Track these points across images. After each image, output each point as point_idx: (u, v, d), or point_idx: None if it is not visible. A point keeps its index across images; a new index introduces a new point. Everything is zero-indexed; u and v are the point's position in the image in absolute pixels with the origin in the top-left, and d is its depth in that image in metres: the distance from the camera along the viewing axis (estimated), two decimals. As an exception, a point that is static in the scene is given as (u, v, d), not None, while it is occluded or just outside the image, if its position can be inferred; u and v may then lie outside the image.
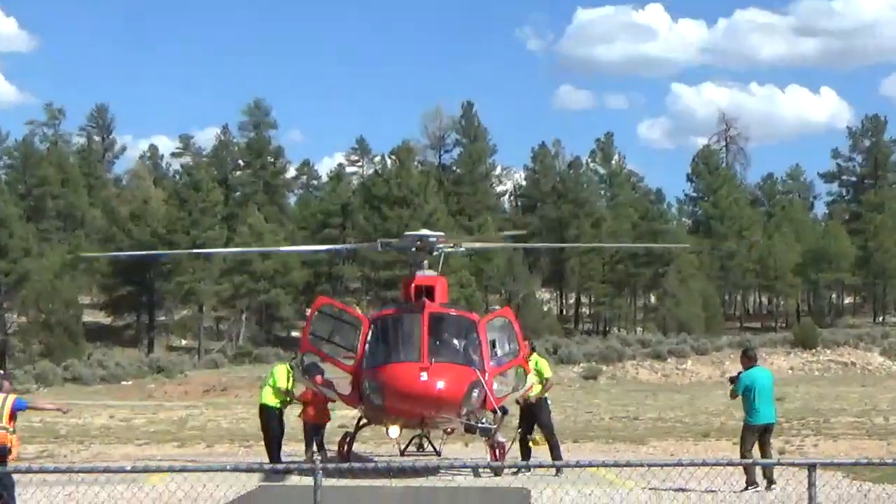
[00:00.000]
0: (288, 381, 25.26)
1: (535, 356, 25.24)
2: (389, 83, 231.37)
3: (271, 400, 25.38)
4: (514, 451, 25.03)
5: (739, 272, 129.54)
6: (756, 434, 21.50)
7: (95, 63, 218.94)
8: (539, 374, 24.81)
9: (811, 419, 44.26)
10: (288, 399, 25.45)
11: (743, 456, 21.15)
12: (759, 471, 20.82)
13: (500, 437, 24.80)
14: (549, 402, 25.31)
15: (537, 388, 24.74)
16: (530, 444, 24.99)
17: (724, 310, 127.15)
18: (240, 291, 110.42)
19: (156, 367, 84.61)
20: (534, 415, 24.69)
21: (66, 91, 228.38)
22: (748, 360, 22.08)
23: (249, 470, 20.86)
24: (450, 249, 28.35)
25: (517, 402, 25.16)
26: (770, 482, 20.92)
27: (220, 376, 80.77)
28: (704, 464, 13.14)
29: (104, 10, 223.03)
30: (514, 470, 23.29)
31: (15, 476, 18.73)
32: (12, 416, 17.87)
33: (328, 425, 26.73)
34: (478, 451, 29.29)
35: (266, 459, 25.48)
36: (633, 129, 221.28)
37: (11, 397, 18.07)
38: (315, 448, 25.47)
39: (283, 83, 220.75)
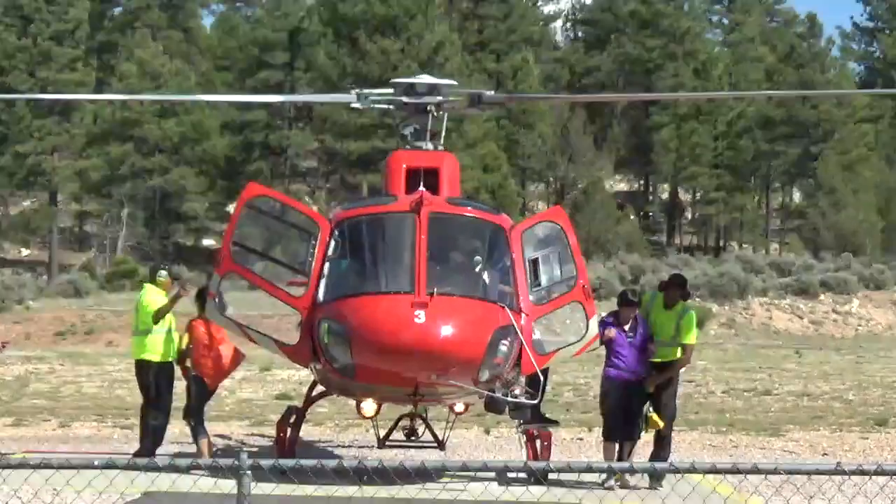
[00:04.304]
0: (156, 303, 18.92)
1: (683, 304, 19.06)
2: None
3: (151, 348, 19.06)
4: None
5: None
6: None
7: None
8: (678, 334, 18.73)
9: None
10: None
11: None
12: None
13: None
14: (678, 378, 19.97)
15: (675, 351, 18.79)
16: (646, 423, 18.95)
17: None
18: (118, 170, 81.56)
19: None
20: (658, 387, 18.96)
21: None
22: None
23: (129, 467, 14.34)
24: (467, 109, 22.57)
25: None
26: None
27: (84, 311, 64.41)
28: (882, 472, 9.05)
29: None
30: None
31: None
32: None
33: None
34: (507, 442, 24.15)
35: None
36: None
37: None
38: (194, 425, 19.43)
39: None
